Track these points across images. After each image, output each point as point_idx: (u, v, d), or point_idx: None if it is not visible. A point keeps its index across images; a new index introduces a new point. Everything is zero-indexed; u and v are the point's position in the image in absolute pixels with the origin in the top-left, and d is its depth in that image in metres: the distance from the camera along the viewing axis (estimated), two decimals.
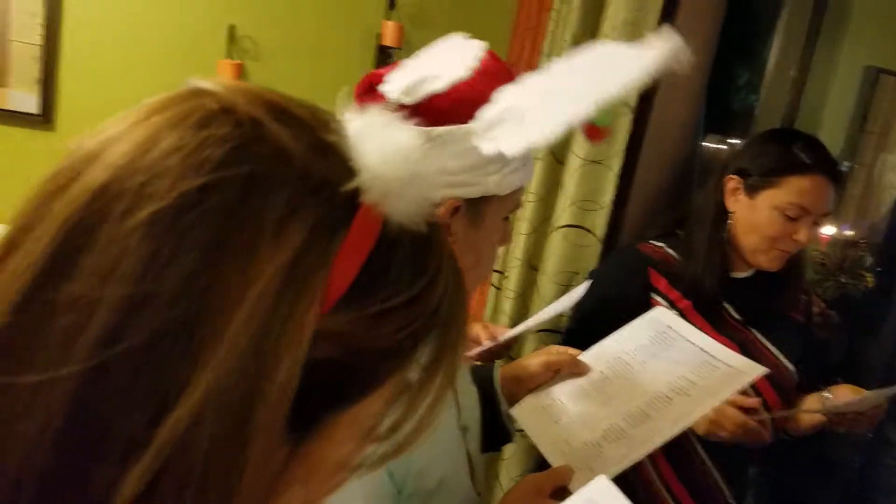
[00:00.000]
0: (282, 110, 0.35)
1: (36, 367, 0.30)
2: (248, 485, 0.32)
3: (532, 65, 1.90)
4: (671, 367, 1.18)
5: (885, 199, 2.19)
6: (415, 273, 0.36)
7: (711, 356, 1.18)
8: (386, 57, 2.10)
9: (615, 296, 1.47)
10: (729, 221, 1.44)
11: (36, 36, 1.96)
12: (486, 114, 0.69)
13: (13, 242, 0.33)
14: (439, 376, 0.40)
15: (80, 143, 0.35)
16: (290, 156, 0.34)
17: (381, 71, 0.85)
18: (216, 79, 0.37)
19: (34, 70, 1.98)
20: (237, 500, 0.31)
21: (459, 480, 0.94)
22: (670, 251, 1.50)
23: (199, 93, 0.36)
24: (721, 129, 2.15)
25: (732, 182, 1.44)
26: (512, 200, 0.90)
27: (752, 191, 1.41)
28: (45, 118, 2.04)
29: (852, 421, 1.35)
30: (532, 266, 1.90)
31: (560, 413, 1.16)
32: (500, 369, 1.21)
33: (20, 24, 1.95)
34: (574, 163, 1.75)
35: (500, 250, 1.89)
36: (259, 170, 0.33)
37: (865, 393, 1.30)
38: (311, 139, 0.35)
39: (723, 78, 1.87)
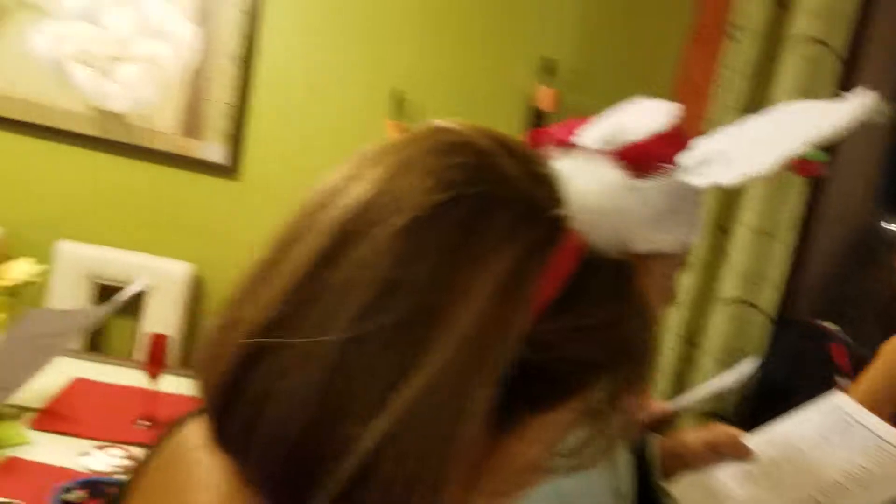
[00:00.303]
0: (506, 144, 0.41)
1: (305, 333, 0.36)
2: (455, 459, 0.36)
3: (696, 131, 1.81)
4: (846, 455, 1.09)
5: None
6: (612, 298, 0.41)
7: (886, 441, 1.08)
8: (540, 120, 2.10)
9: (790, 375, 1.34)
10: None
11: (229, 96, 2.15)
12: (688, 158, 0.71)
13: (286, 243, 0.40)
14: (624, 406, 0.43)
15: (321, 182, 0.42)
16: (514, 182, 0.39)
17: (543, 130, 0.88)
18: (450, 120, 0.43)
19: (225, 125, 2.16)
20: (448, 470, 0.36)
21: None
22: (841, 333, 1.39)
23: (439, 129, 0.42)
24: None
25: None
26: (678, 260, 0.89)
27: None
28: (231, 169, 2.21)
29: None
30: (690, 341, 1.78)
31: (724, 495, 1.10)
32: (656, 440, 1.15)
33: (217, 85, 2.14)
34: (741, 233, 1.63)
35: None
36: (490, 191, 0.38)
37: None
38: (529, 169, 0.40)
39: None
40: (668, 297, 0.93)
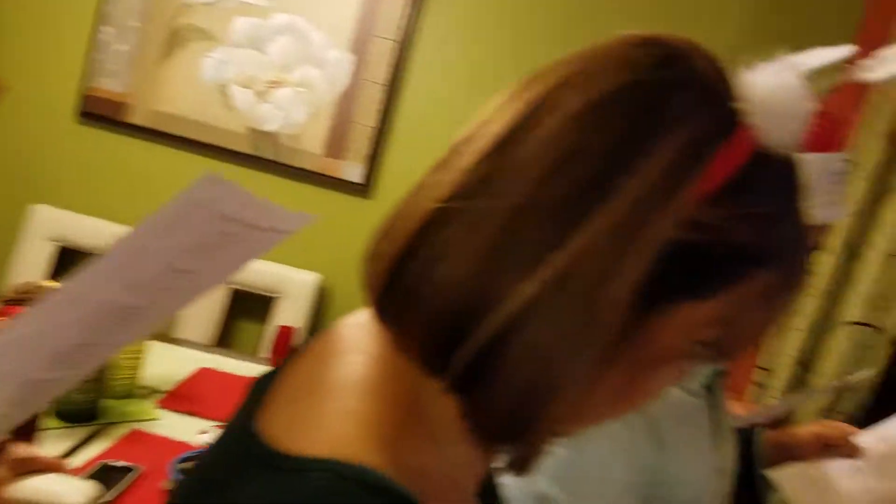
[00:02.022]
0: (698, 46, 0.42)
1: (484, 199, 0.38)
2: (600, 323, 0.36)
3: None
4: None
5: None
6: (779, 194, 0.40)
7: None
8: None
9: None
10: None
11: (373, 119, 2.25)
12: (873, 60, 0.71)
13: (477, 126, 0.42)
14: (769, 310, 0.42)
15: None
16: (699, 73, 0.40)
17: None
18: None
19: (366, 147, 2.27)
20: (592, 333, 0.37)
21: None
22: None
23: (632, 32, 0.43)
24: None
25: None
26: (814, 237, 0.89)
27: None
28: (367, 187, 2.30)
29: None
30: (803, 365, 1.73)
31: (828, 485, 1.10)
32: (764, 433, 1.14)
33: (363, 110, 2.25)
34: (871, 256, 1.60)
35: (768, 346, 1.77)
36: (675, 77, 0.39)
37: None
38: (714, 65, 0.41)
39: None
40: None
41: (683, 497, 0.86)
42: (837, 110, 1.57)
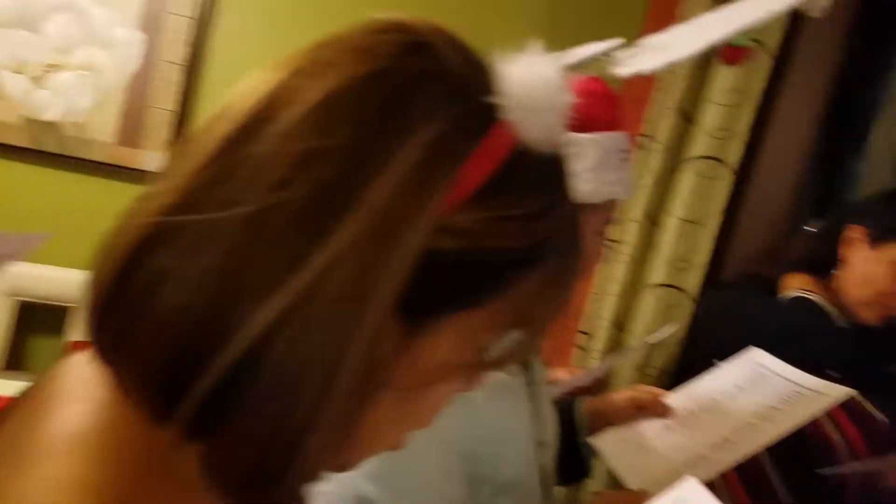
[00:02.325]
0: (447, 33, 0.39)
1: (211, 211, 0.33)
2: (356, 349, 0.32)
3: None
4: (759, 399, 1.15)
5: None
6: (540, 191, 0.38)
7: (798, 384, 1.15)
8: None
9: (714, 336, 1.42)
10: (835, 271, 1.40)
11: (171, 102, 2.05)
12: (624, 51, 0.72)
13: (212, 118, 0.37)
14: (550, 305, 0.41)
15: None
16: (448, 63, 0.36)
17: None
18: None
19: (165, 132, 2.06)
20: (347, 360, 0.32)
21: (532, 486, 0.91)
22: None
23: (377, 17, 0.39)
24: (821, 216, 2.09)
25: (855, 232, 1.40)
26: (604, 215, 0.89)
27: (875, 242, 1.37)
28: None
29: None
30: (619, 326, 1.83)
31: (643, 445, 1.14)
32: (583, 402, 1.19)
33: (160, 92, 2.04)
34: (670, 223, 1.71)
35: (587, 311, 1.85)
36: (421, 67, 0.36)
37: None
38: (467, 56, 0.38)
39: (826, 166, 1.83)
40: (598, 253, 0.95)
41: (507, 473, 0.86)
42: (632, 88, 1.65)
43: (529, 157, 0.37)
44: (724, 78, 1.58)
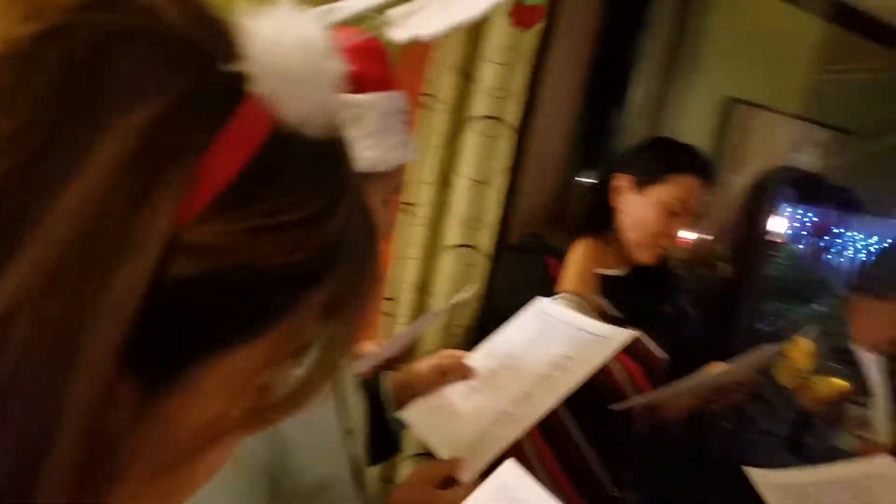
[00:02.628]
0: None
1: None
2: (69, 431, 0.22)
3: (415, 99, 1.84)
4: (552, 349, 1.17)
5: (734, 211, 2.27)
6: (311, 188, 0.29)
7: (585, 331, 1.19)
8: None
9: (513, 294, 1.42)
10: (614, 220, 1.47)
11: None
12: (397, 9, 0.63)
13: None
14: (345, 322, 0.32)
15: None
16: (164, 18, 0.26)
17: None
18: None
19: None
20: (59, 443, 0.22)
21: (342, 483, 0.86)
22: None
23: None
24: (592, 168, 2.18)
25: (622, 180, 1.46)
26: (392, 182, 0.84)
27: (641, 187, 1.44)
28: None
29: (724, 394, 1.37)
30: (423, 290, 1.81)
31: (450, 410, 1.13)
32: (389, 376, 1.16)
33: None
34: (461, 183, 1.69)
35: (389, 276, 1.81)
36: (120, 22, 0.25)
37: (732, 366, 1.30)
38: (193, 8, 0.27)
39: (591, 119, 1.89)
40: (388, 223, 0.91)
41: (314, 477, 0.79)
42: (408, 46, 1.57)
43: (295, 142, 0.28)
44: (499, 36, 1.55)
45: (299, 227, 0.28)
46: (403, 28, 0.69)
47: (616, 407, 1.34)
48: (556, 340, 1.20)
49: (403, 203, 1.74)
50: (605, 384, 1.35)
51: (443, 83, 1.63)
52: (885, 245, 2.07)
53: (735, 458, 1.71)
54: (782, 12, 2.21)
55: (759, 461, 1.66)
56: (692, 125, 2.19)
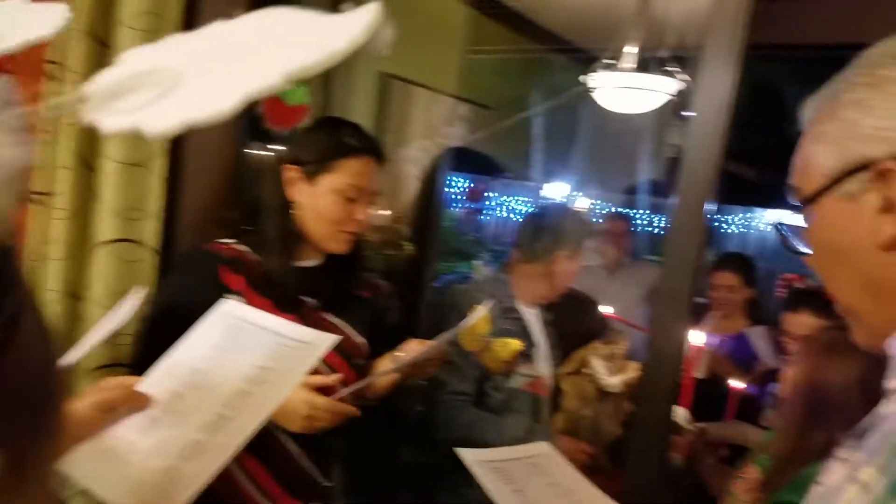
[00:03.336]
0: None
1: None
2: None
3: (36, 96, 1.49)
4: (246, 360, 1.02)
5: (408, 185, 2.36)
6: None
7: (283, 336, 1.07)
8: None
9: (187, 303, 1.22)
10: (293, 212, 1.36)
11: None
12: (106, 78, 0.46)
13: None
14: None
15: None
16: None
17: None
18: None
19: None
20: None
21: None
22: (243, 248, 1.35)
23: None
24: (263, 139, 2.05)
25: (291, 172, 1.36)
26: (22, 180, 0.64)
27: (311, 177, 1.35)
28: None
29: (423, 368, 1.40)
30: (73, 295, 1.51)
31: (128, 452, 0.91)
32: None
33: None
34: (109, 167, 1.43)
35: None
36: None
37: (428, 342, 1.32)
38: None
39: None
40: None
41: None
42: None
43: None
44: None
45: None
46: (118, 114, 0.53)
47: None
48: (251, 349, 1.04)
49: (35, 193, 1.41)
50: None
51: (74, 49, 1.34)
52: (526, 214, 2.32)
53: (430, 418, 1.79)
54: None
55: (450, 418, 1.76)
56: (357, 101, 2.19)
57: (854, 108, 0.60)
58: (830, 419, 1.27)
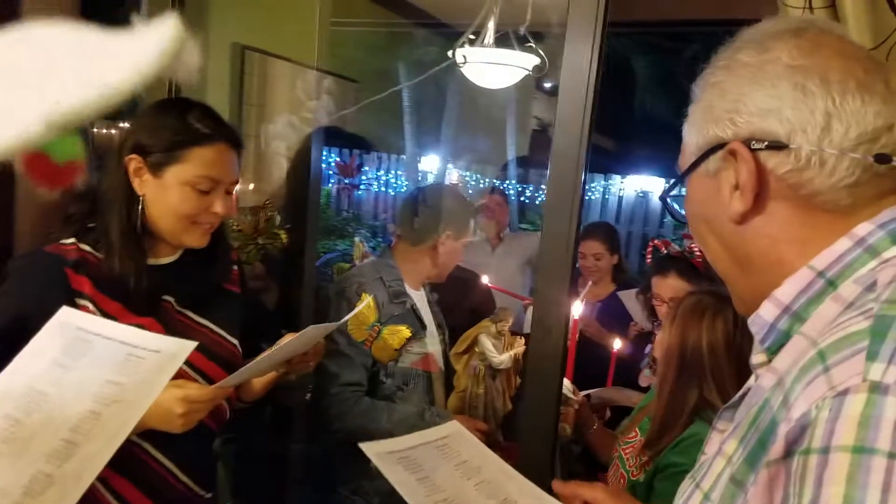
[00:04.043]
0: None
1: None
2: None
3: None
4: (93, 375, 0.91)
5: (277, 163, 2.21)
6: None
7: (133, 346, 0.95)
8: None
9: (30, 313, 1.06)
10: (140, 206, 1.18)
11: None
12: None
13: None
14: None
15: None
16: None
17: None
18: None
19: None
20: None
21: None
22: (87, 248, 1.17)
23: None
24: (109, 114, 1.82)
25: (134, 162, 1.17)
26: None
27: (157, 169, 1.17)
28: None
29: (304, 362, 1.30)
30: None
31: None
32: None
33: None
34: None
35: None
36: None
37: (303, 333, 1.22)
38: None
39: None
40: None
41: None
42: None
43: None
44: None
45: None
46: None
47: None
48: (100, 363, 0.92)
49: None
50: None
51: None
52: (405, 196, 2.24)
53: (323, 411, 1.70)
54: None
55: (345, 410, 1.68)
56: (208, 76, 2.01)
57: (712, 91, 0.64)
58: (703, 379, 1.32)
